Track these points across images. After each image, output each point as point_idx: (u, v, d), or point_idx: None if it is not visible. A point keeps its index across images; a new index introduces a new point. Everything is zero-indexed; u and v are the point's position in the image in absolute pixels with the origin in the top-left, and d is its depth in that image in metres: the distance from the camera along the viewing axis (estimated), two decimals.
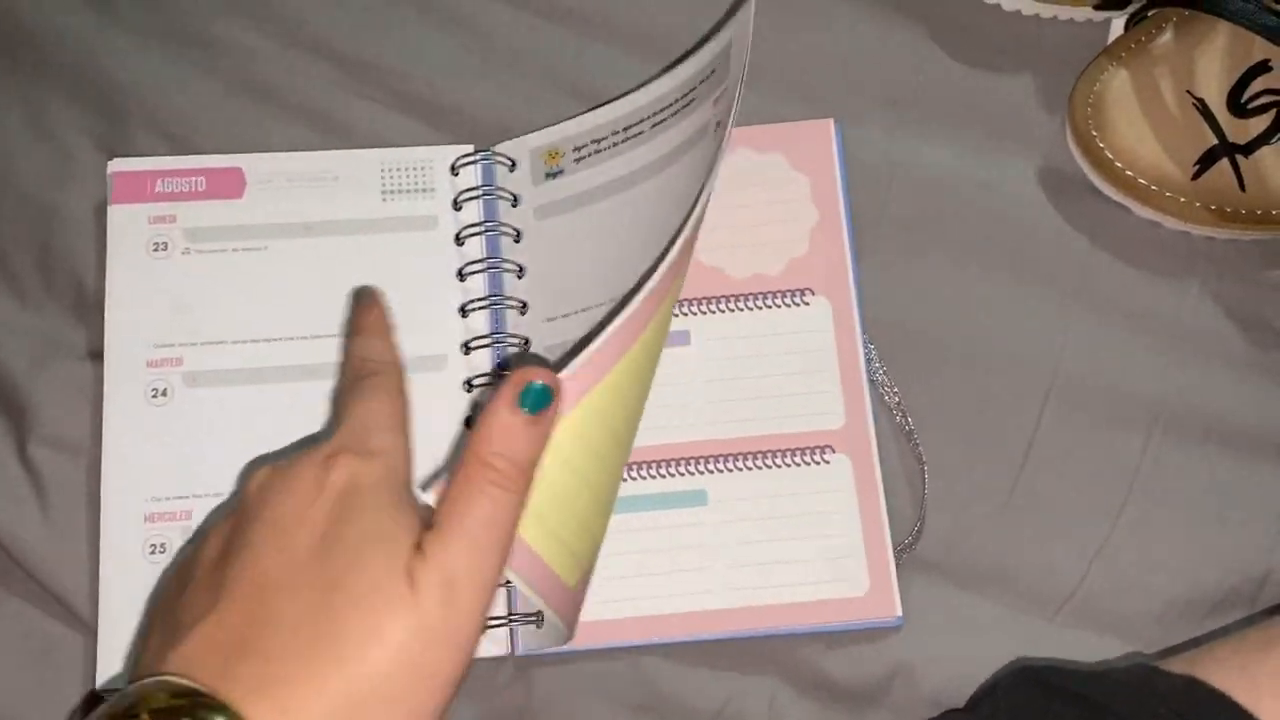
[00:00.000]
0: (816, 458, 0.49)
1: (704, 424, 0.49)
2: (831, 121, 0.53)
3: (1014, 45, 0.55)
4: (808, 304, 0.51)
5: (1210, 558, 0.48)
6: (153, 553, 0.47)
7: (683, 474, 0.49)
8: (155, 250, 0.50)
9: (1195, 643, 0.45)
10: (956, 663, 0.47)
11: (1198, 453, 0.50)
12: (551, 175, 0.52)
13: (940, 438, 0.50)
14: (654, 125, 0.50)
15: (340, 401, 0.38)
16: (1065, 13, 0.55)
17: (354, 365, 0.40)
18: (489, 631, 0.46)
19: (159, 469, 0.48)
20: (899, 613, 0.47)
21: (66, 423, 0.49)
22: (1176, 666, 0.38)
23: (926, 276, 0.52)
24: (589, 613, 0.46)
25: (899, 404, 0.50)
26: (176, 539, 0.47)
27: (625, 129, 0.51)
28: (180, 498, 0.48)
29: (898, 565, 0.48)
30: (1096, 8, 0.55)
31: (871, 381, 0.50)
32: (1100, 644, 0.47)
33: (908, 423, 0.50)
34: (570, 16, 0.56)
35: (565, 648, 0.46)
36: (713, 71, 0.49)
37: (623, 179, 0.51)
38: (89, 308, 0.51)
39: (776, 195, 0.52)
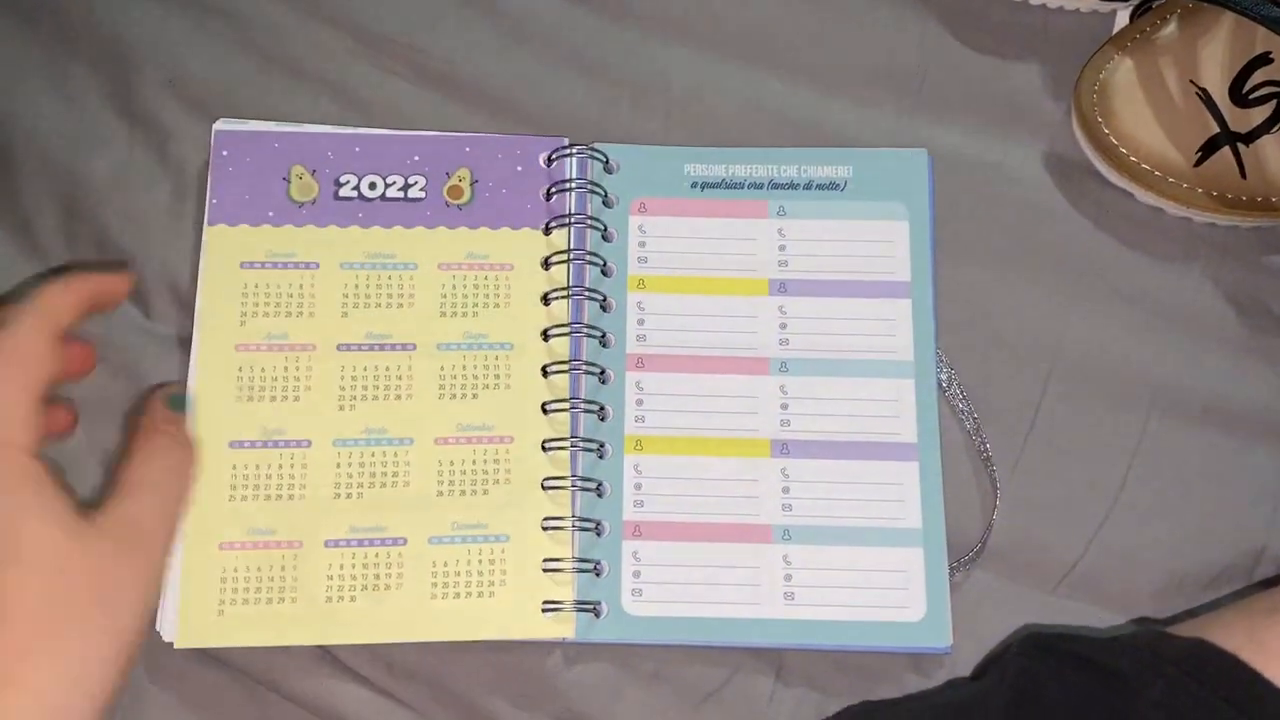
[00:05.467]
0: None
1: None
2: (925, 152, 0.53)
3: (1021, 34, 0.56)
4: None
5: (1207, 534, 0.49)
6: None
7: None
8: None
9: (1196, 613, 0.46)
10: (958, 634, 0.47)
11: (1195, 432, 0.51)
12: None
13: (943, 414, 0.50)
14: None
15: None
16: (1071, 3, 0.56)
17: None
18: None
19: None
20: (950, 642, 0.47)
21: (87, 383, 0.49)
22: (1184, 632, 0.39)
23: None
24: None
25: (974, 416, 0.50)
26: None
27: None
28: None
29: (952, 582, 0.48)
30: None
31: (941, 388, 0.51)
32: (1101, 616, 0.48)
33: (984, 445, 0.50)
34: None
35: (614, 638, 0.47)
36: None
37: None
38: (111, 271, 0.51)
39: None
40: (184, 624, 0.46)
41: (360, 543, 0.47)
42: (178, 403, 0.43)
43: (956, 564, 0.49)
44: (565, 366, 0.50)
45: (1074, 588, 0.49)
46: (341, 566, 0.47)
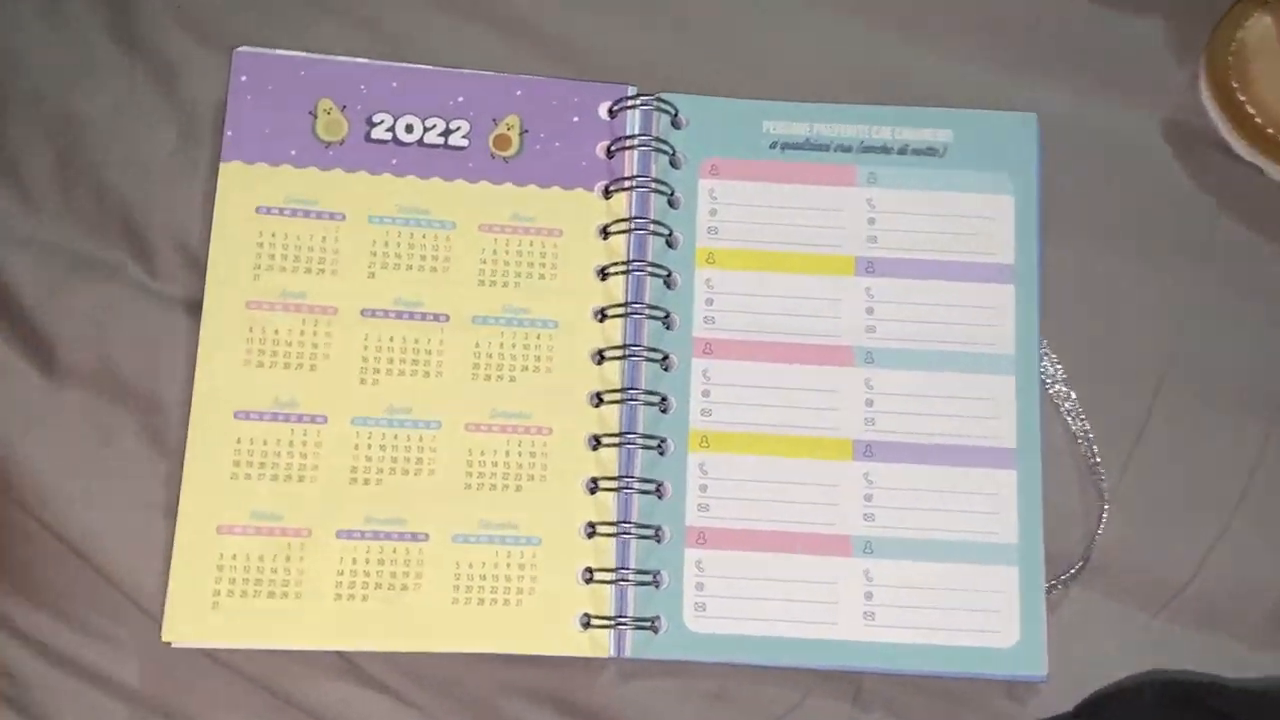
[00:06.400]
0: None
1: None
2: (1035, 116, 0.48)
3: None
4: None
5: None
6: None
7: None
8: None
9: None
10: (1054, 657, 0.44)
11: None
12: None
13: (1045, 414, 0.46)
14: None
15: None
16: None
17: None
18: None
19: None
20: (1045, 671, 0.44)
21: (86, 352, 0.46)
22: None
23: None
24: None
25: (1081, 418, 0.46)
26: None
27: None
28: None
29: (1049, 600, 0.45)
30: None
31: (1044, 386, 0.47)
32: (1211, 643, 0.45)
33: (1091, 450, 0.46)
34: None
35: (674, 656, 0.44)
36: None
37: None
38: (111, 223, 0.48)
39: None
40: (173, 616, 0.43)
41: (376, 535, 0.44)
42: None
43: (1055, 582, 0.45)
44: (622, 352, 0.45)
45: (1182, 611, 0.46)
46: (354, 561, 0.44)
